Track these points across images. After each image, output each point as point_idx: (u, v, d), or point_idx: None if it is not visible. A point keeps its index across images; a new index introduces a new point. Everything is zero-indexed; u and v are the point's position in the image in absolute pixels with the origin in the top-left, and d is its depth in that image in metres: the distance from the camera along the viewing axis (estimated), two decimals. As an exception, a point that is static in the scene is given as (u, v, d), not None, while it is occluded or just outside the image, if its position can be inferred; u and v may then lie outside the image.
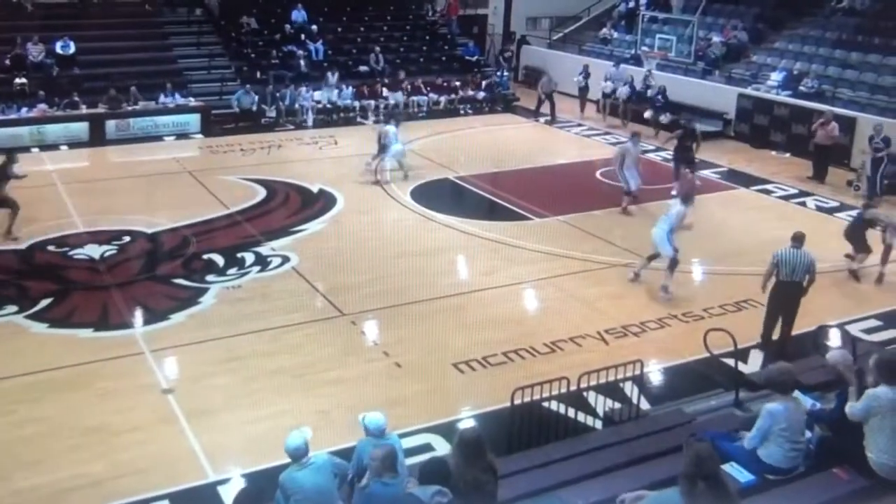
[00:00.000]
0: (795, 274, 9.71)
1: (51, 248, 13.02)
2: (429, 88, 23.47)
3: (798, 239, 9.83)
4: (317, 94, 22.10)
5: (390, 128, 16.99)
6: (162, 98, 20.48)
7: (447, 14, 27.83)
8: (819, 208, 16.00)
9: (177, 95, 20.68)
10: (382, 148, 16.69)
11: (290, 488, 5.83)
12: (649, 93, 22.17)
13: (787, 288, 9.79)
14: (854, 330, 10.19)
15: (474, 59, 25.84)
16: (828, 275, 12.26)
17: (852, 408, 6.09)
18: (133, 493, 7.34)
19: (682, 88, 22.13)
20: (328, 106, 22.16)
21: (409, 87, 23.12)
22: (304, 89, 21.78)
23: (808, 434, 6.48)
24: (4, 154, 13.81)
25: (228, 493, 7.31)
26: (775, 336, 10.00)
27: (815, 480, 6.18)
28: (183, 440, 8.15)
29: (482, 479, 5.19)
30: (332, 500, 5.94)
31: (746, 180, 17.70)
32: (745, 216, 15.52)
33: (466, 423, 8.37)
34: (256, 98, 21.25)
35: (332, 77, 22.43)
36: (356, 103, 22.41)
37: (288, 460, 6.03)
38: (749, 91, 21.30)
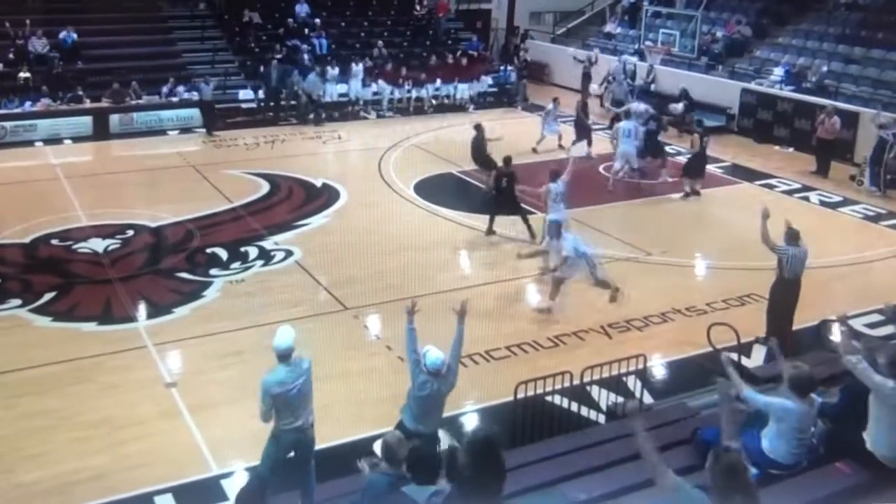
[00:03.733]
0: (799, 271, 9.70)
1: (54, 241, 13.04)
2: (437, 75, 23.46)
3: (797, 237, 9.78)
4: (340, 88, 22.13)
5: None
6: (167, 89, 20.42)
7: (434, 13, 27.54)
8: (822, 203, 16.00)
9: (181, 90, 20.66)
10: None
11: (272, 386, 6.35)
12: (653, 87, 22.14)
13: (792, 286, 9.78)
14: (857, 324, 10.15)
15: (476, 53, 25.70)
16: (831, 269, 12.27)
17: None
18: (136, 486, 7.36)
19: (686, 83, 22.06)
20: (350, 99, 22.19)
21: (413, 78, 23.08)
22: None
23: (811, 429, 6.47)
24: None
25: (231, 486, 7.34)
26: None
27: (819, 474, 6.16)
28: (186, 434, 8.17)
29: (487, 483, 5.11)
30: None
31: (750, 175, 17.67)
32: (748, 211, 15.39)
33: (478, 422, 8.36)
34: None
35: (333, 70, 22.27)
36: (365, 94, 22.36)
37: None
38: (752, 86, 21.27)
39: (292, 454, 6.70)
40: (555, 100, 19.13)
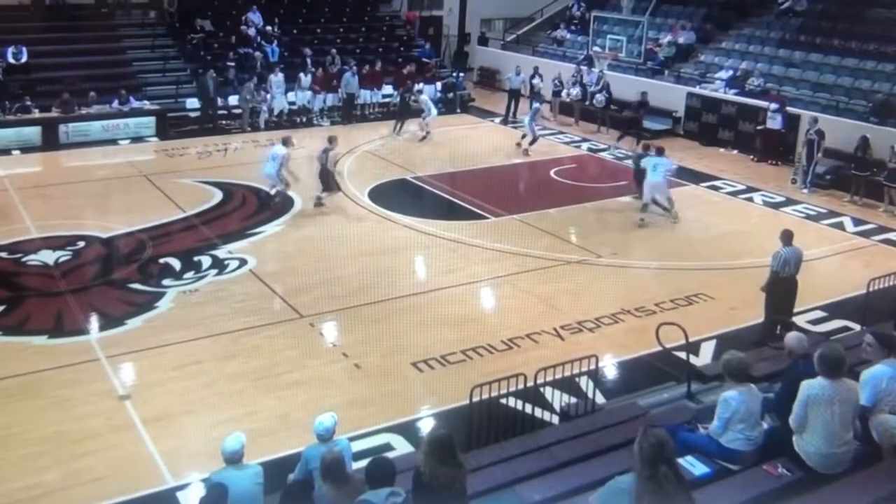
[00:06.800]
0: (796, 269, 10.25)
1: (3, 254, 12.81)
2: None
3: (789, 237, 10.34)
4: (290, 96, 22.02)
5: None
6: (115, 103, 20.16)
7: (405, 19, 27.83)
8: (766, 203, 16.46)
9: (132, 99, 20.39)
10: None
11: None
12: (599, 94, 22.46)
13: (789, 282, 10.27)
14: (800, 321, 10.50)
15: (431, 60, 25.79)
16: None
17: (794, 417, 6.11)
18: (90, 501, 7.29)
19: (633, 88, 22.47)
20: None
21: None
22: (263, 91, 21.63)
23: (764, 426, 6.63)
24: None
25: (188, 498, 7.32)
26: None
27: (766, 470, 6.28)
28: (140, 446, 8.11)
29: (452, 476, 5.30)
30: None
31: (695, 177, 18.04)
32: (694, 212, 15.84)
33: (434, 423, 8.46)
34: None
35: (277, 76, 22.06)
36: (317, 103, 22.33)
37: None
38: (697, 90, 21.76)
39: None
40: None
